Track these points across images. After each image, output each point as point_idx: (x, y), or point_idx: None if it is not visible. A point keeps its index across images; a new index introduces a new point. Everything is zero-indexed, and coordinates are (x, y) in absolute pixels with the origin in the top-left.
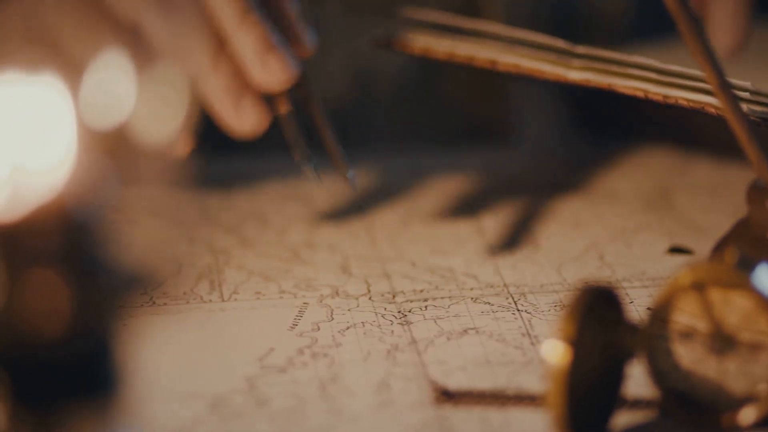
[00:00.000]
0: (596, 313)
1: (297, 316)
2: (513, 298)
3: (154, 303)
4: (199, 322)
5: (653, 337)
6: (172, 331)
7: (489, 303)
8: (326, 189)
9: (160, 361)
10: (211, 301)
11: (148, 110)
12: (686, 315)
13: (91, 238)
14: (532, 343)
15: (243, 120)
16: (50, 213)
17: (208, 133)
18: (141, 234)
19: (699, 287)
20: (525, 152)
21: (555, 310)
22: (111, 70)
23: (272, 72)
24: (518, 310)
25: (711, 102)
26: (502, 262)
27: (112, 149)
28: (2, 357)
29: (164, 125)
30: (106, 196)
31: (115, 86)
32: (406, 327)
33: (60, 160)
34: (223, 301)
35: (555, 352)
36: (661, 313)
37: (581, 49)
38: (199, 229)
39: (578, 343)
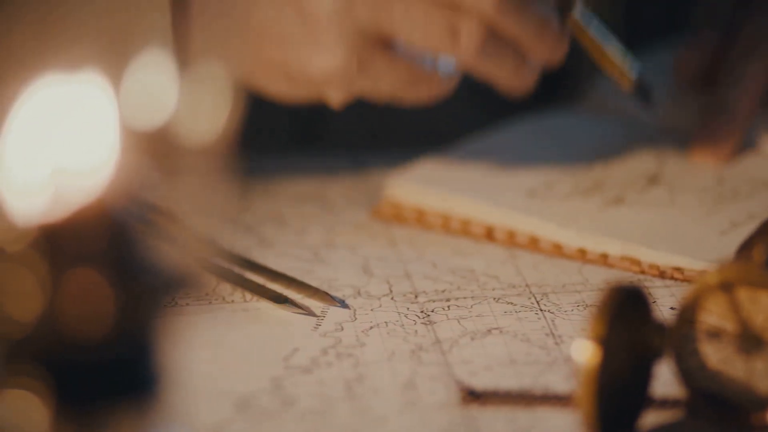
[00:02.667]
0: (625, 313)
1: (320, 316)
2: (535, 298)
3: (176, 304)
4: (222, 323)
5: (681, 336)
6: (196, 332)
7: (512, 303)
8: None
9: (184, 361)
10: (233, 301)
11: (190, 110)
12: (714, 315)
13: (133, 239)
14: (556, 343)
15: (523, 83)
16: (92, 214)
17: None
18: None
19: (726, 287)
20: None
21: (578, 310)
22: (153, 70)
23: (550, 47)
24: (541, 310)
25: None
26: (523, 263)
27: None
28: (44, 358)
29: (206, 125)
30: (147, 197)
31: (157, 86)
32: (429, 327)
33: (102, 161)
34: (245, 301)
35: (585, 351)
36: (688, 313)
37: None
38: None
39: (608, 342)
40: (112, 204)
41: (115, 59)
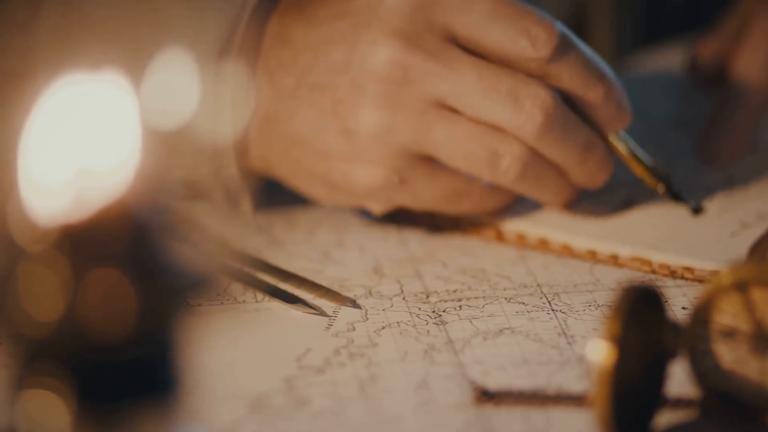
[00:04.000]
0: (639, 313)
1: (332, 316)
2: (547, 298)
3: (188, 304)
4: (234, 323)
5: (695, 336)
6: (208, 332)
7: (523, 303)
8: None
9: (197, 361)
10: (245, 301)
11: (211, 111)
12: (728, 315)
13: (155, 239)
14: (569, 343)
15: (565, 201)
16: (114, 214)
17: None
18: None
19: (741, 287)
20: None
21: (590, 309)
22: (173, 71)
23: (593, 172)
24: (553, 310)
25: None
26: (534, 263)
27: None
28: (66, 358)
29: (227, 126)
30: (168, 197)
31: (178, 87)
32: (441, 327)
33: (124, 162)
34: (257, 301)
35: (600, 351)
36: (702, 313)
37: None
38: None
39: (623, 342)
40: (134, 204)
41: (136, 59)
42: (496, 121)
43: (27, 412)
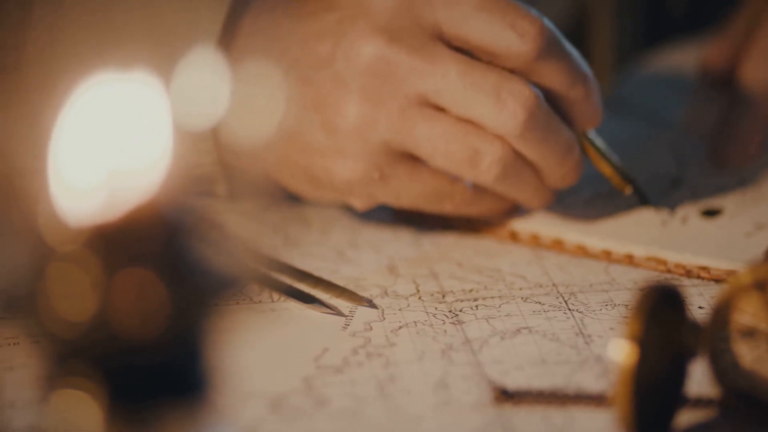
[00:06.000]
0: (661, 313)
1: (348, 316)
2: (563, 298)
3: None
4: (251, 323)
5: (715, 336)
6: (225, 332)
7: (540, 302)
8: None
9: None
10: (261, 301)
11: (242, 111)
12: (747, 314)
13: (185, 239)
14: (587, 343)
15: (542, 202)
16: (146, 214)
17: None
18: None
19: (761, 286)
20: None
21: (607, 309)
22: (204, 70)
23: (568, 173)
24: (569, 310)
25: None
26: (549, 263)
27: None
28: (97, 358)
29: (258, 126)
30: (200, 197)
31: (209, 87)
32: (458, 326)
33: (156, 161)
34: (272, 301)
35: (621, 351)
36: (722, 313)
37: None
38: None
39: (644, 341)
40: (166, 204)
41: (166, 59)
42: (478, 118)
43: (58, 412)
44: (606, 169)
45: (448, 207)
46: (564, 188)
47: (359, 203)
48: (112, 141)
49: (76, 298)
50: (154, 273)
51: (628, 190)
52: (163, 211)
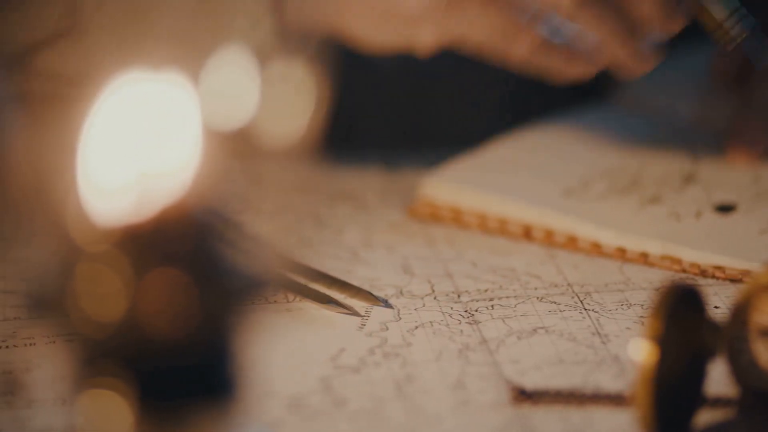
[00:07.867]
0: (680, 312)
1: (364, 316)
2: (578, 297)
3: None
4: (267, 323)
5: (734, 336)
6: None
7: (555, 302)
8: None
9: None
10: (276, 301)
11: (273, 111)
12: (766, 315)
13: (216, 239)
14: (603, 342)
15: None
16: (176, 215)
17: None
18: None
19: None
20: None
21: (622, 308)
22: (235, 70)
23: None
24: (585, 309)
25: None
26: (563, 262)
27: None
28: (127, 358)
29: (289, 126)
30: (230, 198)
31: (240, 87)
32: (474, 326)
33: (186, 162)
34: (288, 301)
35: (642, 350)
36: (741, 313)
37: None
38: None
39: (664, 341)
40: (195, 205)
41: (196, 59)
42: None
43: (87, 412)
44: (706, 17)
45: (521, 48)
46: (633, 75)
47: (429, 36)
48: (142, 141)
49: (104, 299)
50: (183, 274)
51: (730, 45)
52: (193, 212)
